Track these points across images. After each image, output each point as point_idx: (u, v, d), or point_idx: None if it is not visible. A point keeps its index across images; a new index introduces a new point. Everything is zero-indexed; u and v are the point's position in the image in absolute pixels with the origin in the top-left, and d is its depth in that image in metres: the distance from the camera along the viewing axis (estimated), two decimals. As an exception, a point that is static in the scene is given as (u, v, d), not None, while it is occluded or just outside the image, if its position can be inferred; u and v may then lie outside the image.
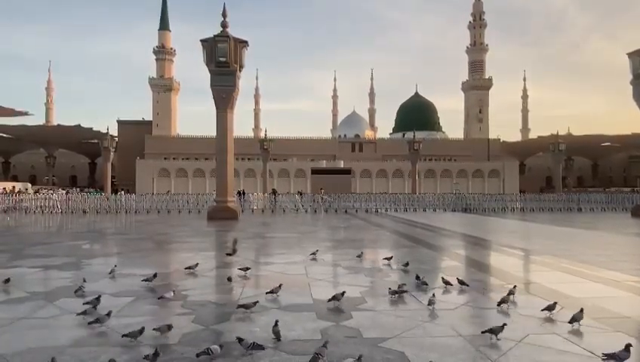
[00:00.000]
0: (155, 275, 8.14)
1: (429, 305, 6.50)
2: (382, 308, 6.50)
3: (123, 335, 5.04)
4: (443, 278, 8.01)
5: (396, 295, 6.94)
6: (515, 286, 7.19)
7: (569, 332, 5.37)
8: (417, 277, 8.07)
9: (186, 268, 9.15)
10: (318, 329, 5.49)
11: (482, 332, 5.08)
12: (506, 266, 10.53)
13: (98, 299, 6.34)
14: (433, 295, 6.80)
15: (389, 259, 10.19)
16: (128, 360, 4.55)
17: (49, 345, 4.96)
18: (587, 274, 9.17)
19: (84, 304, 6.27)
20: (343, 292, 6.69)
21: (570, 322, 5.52)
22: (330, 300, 6.55)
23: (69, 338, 5.14)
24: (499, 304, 6.38)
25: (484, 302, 6.94)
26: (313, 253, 11.14)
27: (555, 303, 6.10)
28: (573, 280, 8.61)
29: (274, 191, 41.10)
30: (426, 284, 7.78)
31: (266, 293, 6.98)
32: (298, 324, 5.67)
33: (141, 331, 5.02)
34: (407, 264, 9.27)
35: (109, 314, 5.65)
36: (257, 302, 6.26)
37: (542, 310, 6.04)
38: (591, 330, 5.52)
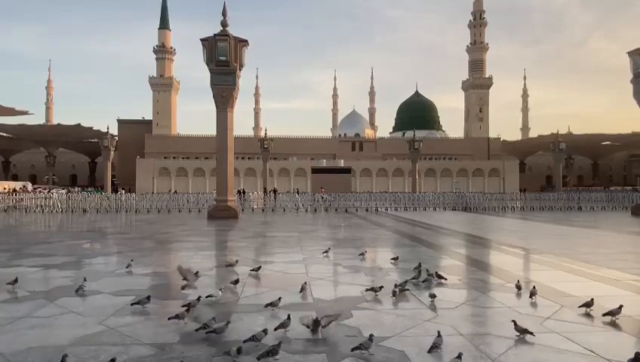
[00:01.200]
0: (196, 273, 8.24)
1: (431, 298, 6.66)
2: (382, 307, 6.50)
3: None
4: (420, 268, 8.33)
5: (395, 294, 6.96)
6: (517, 282, 7.46)
7: (569, 331, 5.38)
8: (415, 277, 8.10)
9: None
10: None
11: (516, 330, 5.10)
12: (507, 265, 10.53)
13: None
14: (433, 294, 6.85)
15: (395, 259, 10.18)
16: (128, 359, 4.55)
17: (49, 344, 4.96)
18: (587, 272, 9.18)
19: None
20: (381, 287, 7.03)
21: (605, 315, 5.72)
22: (367, 290, 7.11)
23: (70, 338, 5.14)
24: (604, 314, 5.87)
25: (485, 301, 6.94)
26: (326, 251, 11.19)
27: (592, 299, 6.16)
28: (574, 279, 8.61)
29: (270, 191, 41.12)
30: (428, 280, 7.86)
31: (300, 291, 7.17)
32: (298, 323, 5.67)
33: (226, 324, 5.23)
34: (419, 266, 8.97)
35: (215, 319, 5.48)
36: (281, 298, 6.44)
37: (579, 306, 6.13)
38: (591, 329, 5.53)
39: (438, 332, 4.88)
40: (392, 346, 4.90)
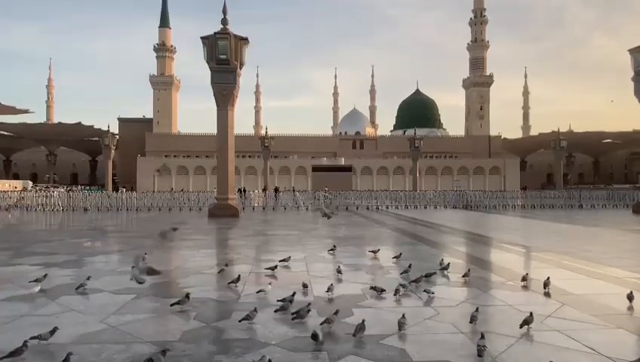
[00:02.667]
0: (226, 264, 8.78)
1: (428, 294, 6.83)
2: (383, 305, 6.50)
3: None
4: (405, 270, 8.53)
5: (399, 292, 6.96)
6: (525, 275, 7.87)
7: (570, 329, 5.37)
8: (427, 276, 8.06)
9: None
10: (319, 326, 5.49)
11: (520, 327, 5.27)
12: (507, 263, 10.53)
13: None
14: (432, 292, 6.88)
15: (397, 257, 10.14)
16: (130, 357, 4.56)
17: (51, 342, 4.96)
18: (588, 270, 9.17)
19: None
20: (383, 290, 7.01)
21: None
22: (369, 288, 7.25)
23: (71, 336, 5.15)
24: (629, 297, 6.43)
25: (486, 299, 6.94)
26: (332, 249, 11.17)
27: (632, 292, 6.44)
28: (575, 277, 8.61)
29: (272, 189, 41.25)
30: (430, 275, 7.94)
31: (303, 288, 7.30)
32: (299, 322, 5.67)
33: (308, 309, 5.68)
34: (448, 265, 9.05)
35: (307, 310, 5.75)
36: (332, 284, 6.98)
37: (627, 298, 6.42)
38: (591, 327, 5.53)
39: (477, 308, 5.65)
40: (393, 344, 4.91)
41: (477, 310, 5.60)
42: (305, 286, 7.32)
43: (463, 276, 8.14)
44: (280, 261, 9.44)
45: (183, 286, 7.72)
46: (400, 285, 7.15)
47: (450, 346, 4.87)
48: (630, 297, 6.40)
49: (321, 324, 5.34)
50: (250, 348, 4.78)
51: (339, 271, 8.62)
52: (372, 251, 10.93)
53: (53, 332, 4.90)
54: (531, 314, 5.38)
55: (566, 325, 5.52)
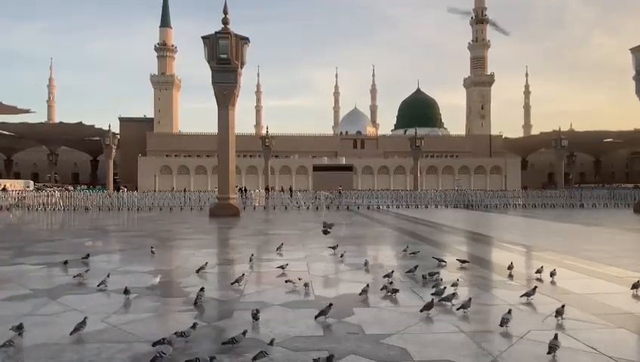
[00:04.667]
0: (253, 254, 9.85)
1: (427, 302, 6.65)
2: (384, 305, 6.51)
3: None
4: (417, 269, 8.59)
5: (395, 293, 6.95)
6: (540, 268, 8.36)
7: (571, 328, 5.37)
8: (424, 277, 8.04)
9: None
10: (320, 326, 5.51)
11: (555, 316, 5.61)
12: (508, 262, 10.50)
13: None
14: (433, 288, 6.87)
15: (414, 253, 10.65)
16: (131, 356, 4.57)
17: (53, 341, 4.98)
18: (589, 270, 9.17)
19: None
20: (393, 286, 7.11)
21: None
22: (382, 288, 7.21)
23: (72, 336, 5.15)
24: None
25: (486, 299, 6.95)
26: (332, 248, 11.18)
27: (639, 281, 6.98)
28: (576, 276, 8.61)
29: (267, 188, 41.54)
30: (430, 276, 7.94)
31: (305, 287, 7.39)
32: (300, 321, 5.69)
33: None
34: (465, 262, 9.47)
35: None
36: (368, 285, 6.96)
37: (631, 288, 6.94)
38: (593, 326, 5.53)
39: (533, 288, 6.59)
40: (394, 343, 4.91)
41: (534, 289, 6.52)
42: (306, 285, 7.32)
43: (508, 268, 8.69)
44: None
45: (184, 285, 7.73)
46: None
47: (452, 345, 4.87)
48: (636, 285, 6.84)
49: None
50: (251, 347, 4.79)
51: (365, 264, 9.19)
52: (404, 250, 11.10)
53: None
54: (563, 305, 5.71)
55: (567, 324, 5.52)
